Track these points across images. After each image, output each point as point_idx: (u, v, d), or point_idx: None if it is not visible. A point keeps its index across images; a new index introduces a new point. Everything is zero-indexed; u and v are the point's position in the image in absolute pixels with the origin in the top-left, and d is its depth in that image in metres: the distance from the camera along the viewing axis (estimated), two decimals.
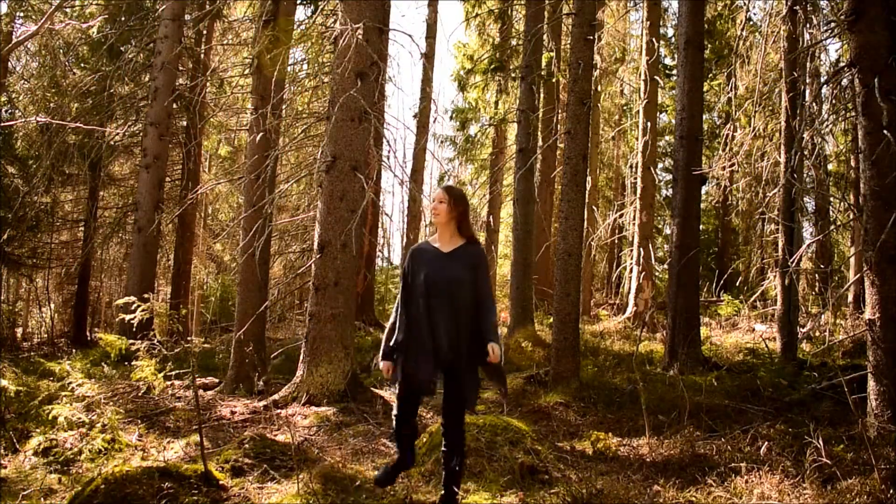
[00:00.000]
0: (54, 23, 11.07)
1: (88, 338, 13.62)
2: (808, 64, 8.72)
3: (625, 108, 21.24)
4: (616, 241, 20.09)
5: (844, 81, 5.90)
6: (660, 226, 20.30)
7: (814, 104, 9.08)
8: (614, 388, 7.21)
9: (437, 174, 21.42)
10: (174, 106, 11.96)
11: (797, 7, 8.25)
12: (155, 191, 10.90)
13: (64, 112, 11.71)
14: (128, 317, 4.12)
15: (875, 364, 4.77)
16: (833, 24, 7.66)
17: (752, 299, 13.48)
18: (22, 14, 12.37)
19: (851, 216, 10.41)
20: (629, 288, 14.81)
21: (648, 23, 14.45)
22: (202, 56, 13.85)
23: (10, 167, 11.87)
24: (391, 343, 3.61)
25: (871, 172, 4.91)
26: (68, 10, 12.66)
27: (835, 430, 4.86)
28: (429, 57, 15.38)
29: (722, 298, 14.99)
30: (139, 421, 5.96)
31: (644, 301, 13.78)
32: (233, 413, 6.48)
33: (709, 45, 14.91)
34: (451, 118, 15.69)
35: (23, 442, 5.04)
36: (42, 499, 4.05)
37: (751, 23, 14.07)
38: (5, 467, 4.62)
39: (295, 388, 6.74)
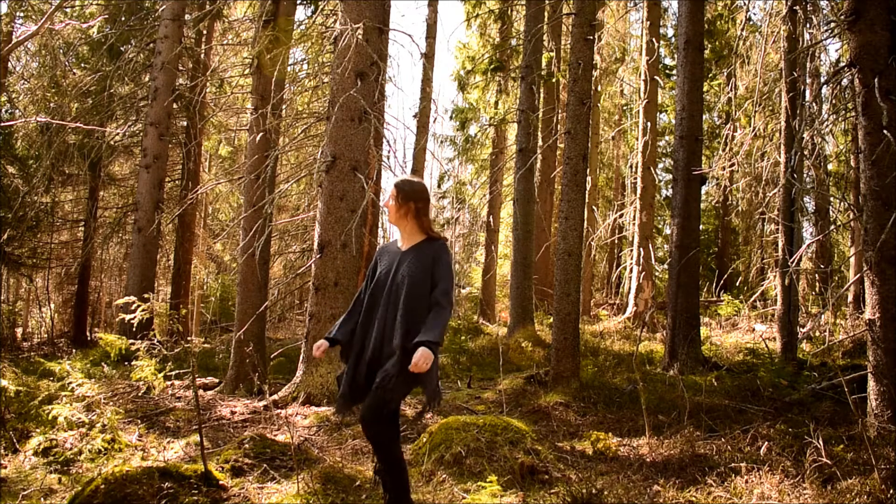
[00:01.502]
0: (54, 23, 11.07)
1: (88, 338, 13.63)
2: (808, 64, 8.73)
3: (625, 108, 21.24)
4: (616, 241, 20.10)
5: (844, 81, 5.90)
6: (660, 226, 20.31)
7: (814, 104, 9.09)
8: (614, 388, 7.21)
9: (437, 174, 21.42)
10: (174, 106, 11.96)
11: (797, 7, 8.25)
12: (155, 191, 10.90)
13: (64, 112, 11.72)
14: (128, 317, 4.12)
15: (875, 364, 4.77)
16: (833, 24, 7.66)
17: (752, 299, 13.48)
18: (22, 14, 12.37)
19: (851, 216, 10.41)
20: (629, 288, 14.81)
21: (648, 23, 14.46)
22: (202, 56, 13.85)
23: (10, 167, 11.88)
24: (337, 331, 3.32)
25: (871, 172, 4.91)
26: (68, 10, 12.67)
27: (835, 430, 4.86)
28: (429, 57, 15.37)
29: (722, 298, 15.00)
30: (139, 421, 5.96)
31: (644, 301, 13.79)
32: (233, 413, 6.48)
33: (709, 45, 14.91)
34: (451, 118, 15.69)
35: (23, 442, 5.04)
36: (42, 499, 4.05)
37: (751, 23, 14.09)
38: (5, 467, 4.62)
39: (295, 388, 6.74)
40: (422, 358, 2.88)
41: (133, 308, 4.07)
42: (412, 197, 3.27)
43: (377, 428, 3.10)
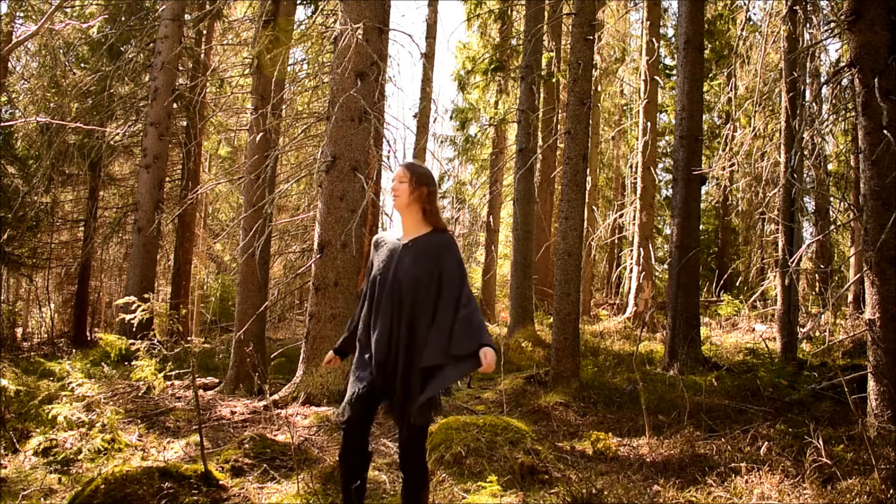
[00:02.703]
0: (54, 23, 11.07)
1: (88, 338, 13.63)
2: (808, 64, 8.73)
3: (625, 108, 21.24)
4: (616, 241, 20.10)
5: (844, 81, 5.90)
6: (660, 226, 20.31)
7: (814, 104, 9.10)
8: (614, 388, 7.22)
9: (438, 174, 21.41)
10: (174, 106, 11.96)
11: (797, 7, 8.25)
12: (155, 191, 10.90)
13: (64, 112, 11.72)
14: (128, 317, 4.12)
15: (875, 364, 4.77)
16: (833, 24, 7.66)
17: (752, 299, 13.48)
18: (22, 14, 12.37)
19: (851, 216, 10.41)
20: (629, 288, 14.81)
21: (648, 23, 14.46)
22: (202, 56, 13.85)
23: (10, 167, 11.88)
24: (345, 340, 3.21)
25: (871, 172, 4.91)
26: (68, 10, 12.67)
27: (835, 430, 4.87)
28: (429, 57, 15.38)
29: (722, 298, 15.00)
30: (139, 421, 5.96)
31: (644, 301, 13.79)
32: (233, 413, 6.48)
33: (709, 45, 14.91)
34: (451, 118, 15.70)
35: (23, 442, 5.04)
36: (42, 499, 4.04)
37: (751, 23, 14.08)
38: (5, 467, 4.62)
39: (295, 388, 6.74)
40: (493, 359, 2.73)
41: (133, 308, 4.06)
42: (425, 181, 2.95)
43: (412, 451, 2.88)
